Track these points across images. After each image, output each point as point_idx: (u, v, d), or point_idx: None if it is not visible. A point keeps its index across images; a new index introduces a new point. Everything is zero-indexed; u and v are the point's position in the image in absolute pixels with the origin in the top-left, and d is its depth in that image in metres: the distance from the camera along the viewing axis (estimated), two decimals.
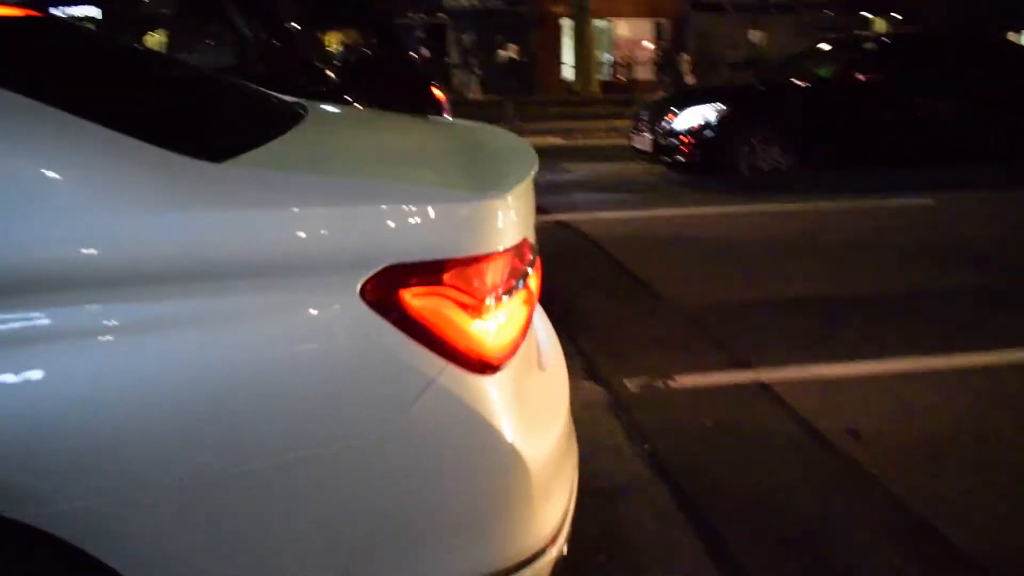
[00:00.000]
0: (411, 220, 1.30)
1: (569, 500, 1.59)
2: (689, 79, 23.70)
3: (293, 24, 6.00)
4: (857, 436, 2.99)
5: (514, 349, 1.39)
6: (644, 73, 27.05)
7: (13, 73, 1.41)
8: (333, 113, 2.26)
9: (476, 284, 1.31)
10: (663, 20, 28.11)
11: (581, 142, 13.69)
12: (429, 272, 1.28)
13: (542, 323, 1.99)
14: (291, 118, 1.83)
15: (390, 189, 1.37)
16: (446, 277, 1.29)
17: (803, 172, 8.26)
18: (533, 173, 1.63)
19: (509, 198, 1.38)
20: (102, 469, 1.18)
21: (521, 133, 2.30)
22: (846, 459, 2.85)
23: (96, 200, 1.22)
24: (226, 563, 1.26)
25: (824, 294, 4.78)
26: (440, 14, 25.88)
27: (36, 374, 1.15)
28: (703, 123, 8.40)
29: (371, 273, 1.26)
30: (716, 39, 26.46)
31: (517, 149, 1.84)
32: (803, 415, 3.16)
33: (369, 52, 7.68)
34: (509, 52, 25.64)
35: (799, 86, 8.71)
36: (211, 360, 1.21)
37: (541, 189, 1.92)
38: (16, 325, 1.16)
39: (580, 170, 10.09)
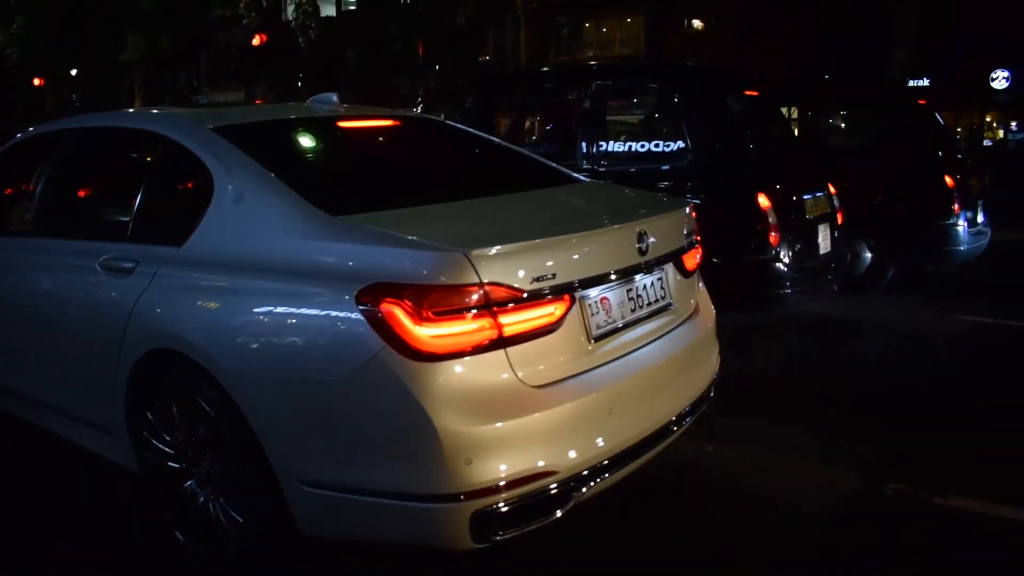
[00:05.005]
0: (397, 258, 2.20)
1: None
2: None
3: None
4: None
5: (451, 351, 2.12)
6: None
7: (267, 159, 2.67)
8: (556, 190, 3.10)
9: (423, 302, 2.10)
10: None
11: None
12: (396, 289, 2.13)
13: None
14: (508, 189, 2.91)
15: (398, 239, 2.25)
16: (405, 294, 2.11)
17: None
18: (560, 238, 2.36)
19: (474, 253, 2.12)
20: (245, 361, 2.37)
21: None
22: None
23: (277, 229, 2.46)
24: (281, 424, 2.32)
25: None
26: None
27: (241, 308, 2.42)
28: None
29: (365, 285, 2.15)
30: None
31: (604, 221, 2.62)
32: None
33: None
34: None
35: None
36: (283, 314, 2.33)
37: None
38: (246, 285, 2.43)
39: None
